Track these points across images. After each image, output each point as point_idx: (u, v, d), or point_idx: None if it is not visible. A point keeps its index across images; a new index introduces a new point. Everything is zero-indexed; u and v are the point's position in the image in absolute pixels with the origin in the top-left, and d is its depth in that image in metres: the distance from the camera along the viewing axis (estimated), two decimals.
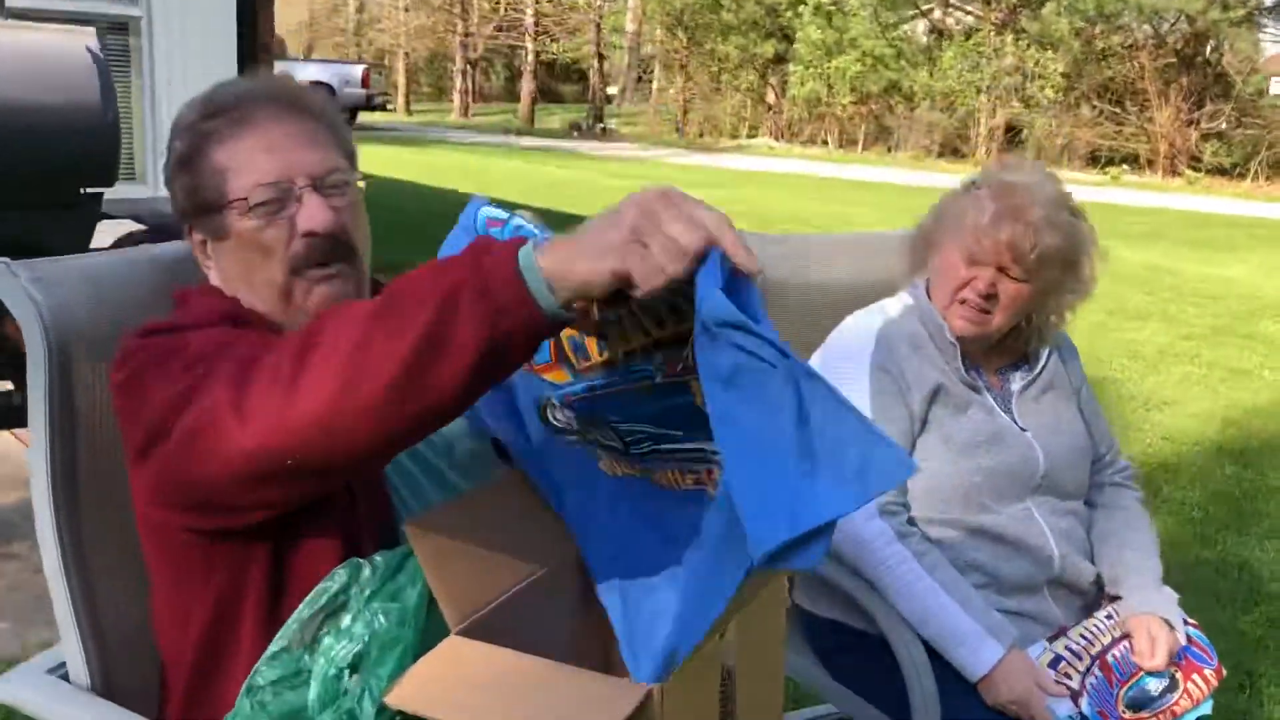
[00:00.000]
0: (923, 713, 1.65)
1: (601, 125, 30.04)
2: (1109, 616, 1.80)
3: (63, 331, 1.25)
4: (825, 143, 27.00)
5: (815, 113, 27.04)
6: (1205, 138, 22.78)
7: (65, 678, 1.31)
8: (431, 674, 1.07)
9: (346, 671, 1.01)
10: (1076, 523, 1.85)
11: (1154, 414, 5.20)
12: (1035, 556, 1.76)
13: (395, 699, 1.03)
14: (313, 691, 1.00)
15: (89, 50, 2.43)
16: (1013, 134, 24.94)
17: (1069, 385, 1.90)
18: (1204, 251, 11.10)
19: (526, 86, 33.05)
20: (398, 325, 0.91)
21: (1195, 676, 1.76)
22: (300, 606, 1.05)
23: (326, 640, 1.04)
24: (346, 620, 1.05)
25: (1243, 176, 22.08)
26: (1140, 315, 7.58)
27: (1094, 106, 23.96)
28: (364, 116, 25.16)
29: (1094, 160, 23.87)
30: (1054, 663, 1.70)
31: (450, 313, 0.90)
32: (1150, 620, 1.77)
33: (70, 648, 1.29)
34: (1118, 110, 23.66)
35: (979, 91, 24.27)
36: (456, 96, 34.74)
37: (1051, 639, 1.74)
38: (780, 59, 27.98)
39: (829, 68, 25.78)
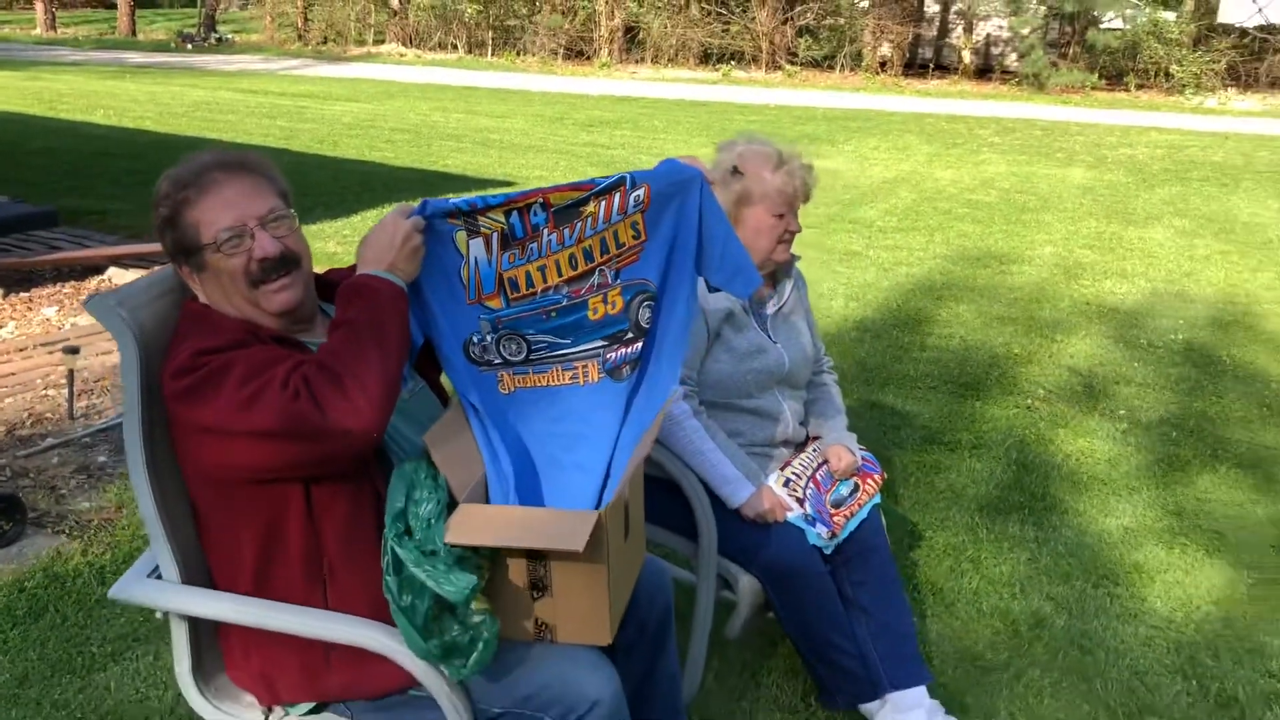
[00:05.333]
0: (706, 531, 2.46)
1: (217, 36, 28.41)
2: (815, 450, 2.69)
3: (145, 339, 1.73)
4: (455, 48, 27.13)
5: (440, 15, 27.04)
6: (799, 33, 25.13)
7: (159, 577, 1.82)
8: (465, 522, 1.72)
9: (432, 520, 1.65)
10: (800, 403, 2.72)
11: None
12: (777, 426, 2.62)
13: (453, 538, 1.68)
14: (418, 534, 1.64)
15: None
16: (631, 34, 26.25)
17: (801, 309, 2.74)
18: (813, 145, 12.74)
19: None
20: (382, 336, 1.70)
21: (869, 480, 2.70)
22: (390, 492, 1.67)
23: (412, 509, 1.66)
24: (418, 494, 1.69)
25: (831, 69, 24.67)
26: None
27: (703, 8, 25.67)
28: None
29: (706, 58, 25.68)
30: (786, 484, 2.56)
31: (398, 315, 1.74)
32: (839, 448, 2.68)
33: (163, 556, 1.80)
34: (723, 11, 25.51)
35: None
36: (39, 4, 31.09)
37: (781, 469, 2.61)
38: None
39: None
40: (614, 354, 1.94)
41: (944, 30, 25.76)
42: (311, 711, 1.87)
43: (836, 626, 2.52)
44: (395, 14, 28.33)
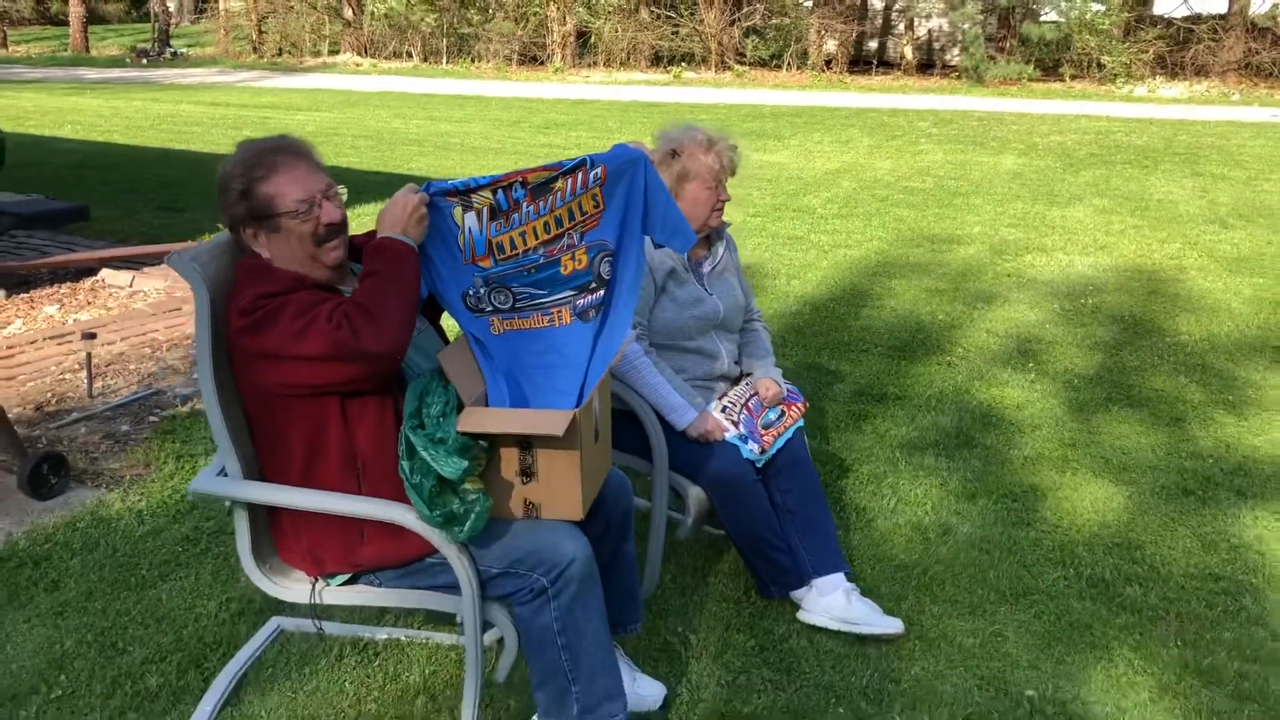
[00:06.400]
0: (659, 450, 2.98)
1: (171, 50, 28.61)
2: (747, 383, 3.23)
3: (212, 287, 2.23)
4: (410, 56, 27.51)
5: (394, 25, 27.43)
6: (746, 34, 25.78)
7: (224, 474, 2.32)
8: (473, 416, 2.23)
9: (440, 417, 2.16)
10: (735, 346, 3.26)
11: None
12: (715, 363, 3.15)
13: (464, 427, 2.19)
14: (428, 428, 2.14)
15: None
16: (583, 39, 26.78)
17: (733, 267, 3.27)
18: (760, 141, 13.32)
19: (75, 10, 30.48)
20: (401, 283, 2.18)
21: (794, 408, 3.23)
22: (407, 397, 2.18)
23: (425, 409, 2.17)
24: (429, 398, 2.19)
25: (779, 68, 25.33)
26: None
27: (652, 11, 26.25)
28: None
29: (657, 60, 26.28)
30: (723, 410, 3.09)
31: (412, 268, 2.19)
32: (767, 381, 3.22)
33: (228, 458, 2.30)
34: (672, 14, 26.11)
35: (549, 0, 25.77)
36: None
37: (719, 398, 3.14)
38: None
39: None
40: (582, 300, 2.45)
41: (886, 27, 26.51)
42: (348, 581, 2.38)
43: (769, 526, 3.05)
44: (349, 24, 28.67)
